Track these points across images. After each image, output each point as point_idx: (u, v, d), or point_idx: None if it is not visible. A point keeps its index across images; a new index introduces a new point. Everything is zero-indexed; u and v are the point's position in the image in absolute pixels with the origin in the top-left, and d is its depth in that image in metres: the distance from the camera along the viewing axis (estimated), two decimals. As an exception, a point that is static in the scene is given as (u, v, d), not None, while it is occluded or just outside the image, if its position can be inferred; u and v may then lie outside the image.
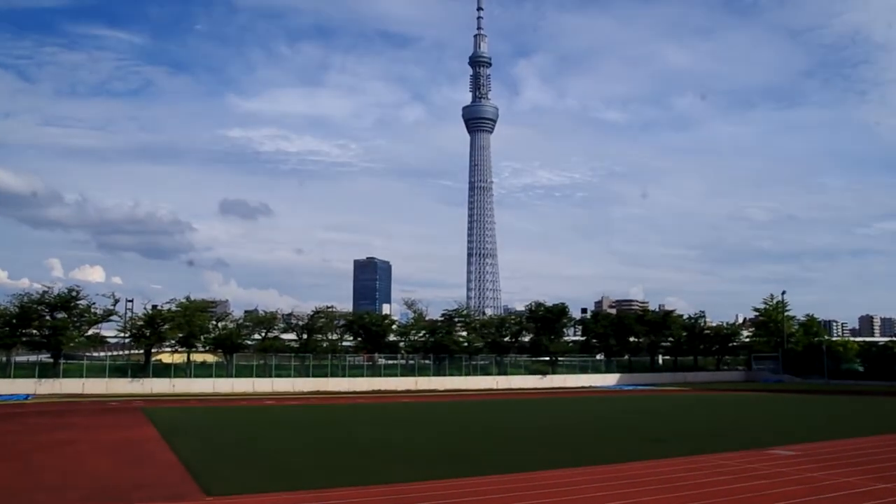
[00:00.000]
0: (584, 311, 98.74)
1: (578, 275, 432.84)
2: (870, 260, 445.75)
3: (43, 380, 57.29)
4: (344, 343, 77.67)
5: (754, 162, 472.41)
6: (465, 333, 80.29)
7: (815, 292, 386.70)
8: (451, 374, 74.23)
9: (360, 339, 76.48)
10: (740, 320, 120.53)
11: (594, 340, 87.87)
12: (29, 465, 22.32)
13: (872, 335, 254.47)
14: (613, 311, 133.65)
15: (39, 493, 17.62)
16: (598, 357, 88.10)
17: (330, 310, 76.24)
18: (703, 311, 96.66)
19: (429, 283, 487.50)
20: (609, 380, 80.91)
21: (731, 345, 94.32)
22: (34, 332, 59.81)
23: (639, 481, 18.61)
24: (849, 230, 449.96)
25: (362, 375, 70.88)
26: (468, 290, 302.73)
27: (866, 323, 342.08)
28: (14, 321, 58.68)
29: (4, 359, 59.94)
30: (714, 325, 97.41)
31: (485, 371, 77.93)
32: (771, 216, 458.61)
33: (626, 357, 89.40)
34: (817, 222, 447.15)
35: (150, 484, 18.84)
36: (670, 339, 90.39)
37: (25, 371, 59.14)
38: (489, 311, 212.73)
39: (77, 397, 53.74)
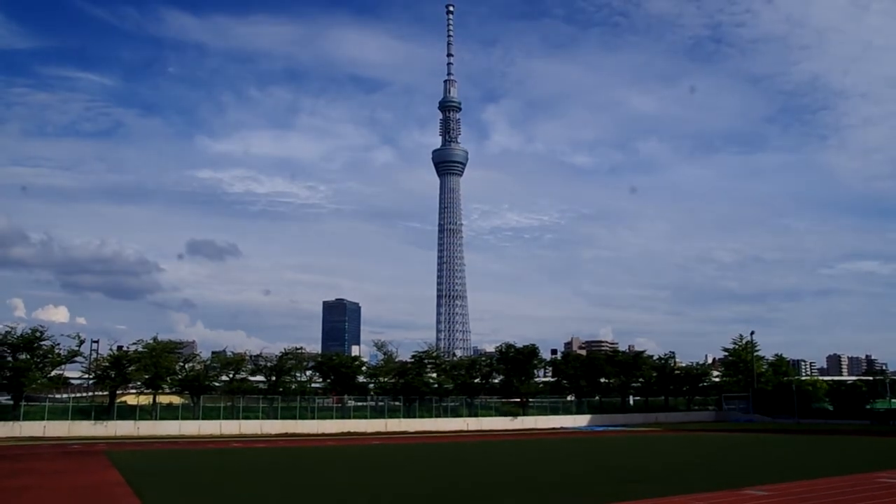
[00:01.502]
0: (554, 352, 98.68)
1: (548, 316, 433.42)
2: (834, 300, 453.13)
3: (2, 423, 55.25)
4: (313, 385, 76.43)
5: (719, 205, 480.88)
6: (435, 375, 79.56)
7: (782, 332, 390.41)
8: (422, 416, 73.29)
9: (329, 380, 75.37)
10: (710, 360, 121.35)
11: (565, 381, 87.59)
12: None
13: (840, 374, 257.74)
14: (583, 351, 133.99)
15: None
16: (569, 398, 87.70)
17: (299, 351, 75.22)
18: (672, 352, 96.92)
19: (398, 324, 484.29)
20: (580, 421, 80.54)
21: (701, 385, 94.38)
22: (-4, 373, 57.96)
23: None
24: (813, 271, 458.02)
25: (332, 417, 69.62)
26: (438, 331, 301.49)
27: (834, 362, 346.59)
28: (-27, 363, 56.91)
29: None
30: (684, 365, 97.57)
31: (455, 413, 77.11)
32: (737, 257, 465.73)
33: (597, 398, 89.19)
34: (782, 263, 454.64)
35: (112, 533, 18.11)
36: (641, 379, 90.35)
37: (-17, 414, 56.98)
38: (459, 353, 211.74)
39: (38, 440, 51.98)
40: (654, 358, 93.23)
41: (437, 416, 74.70)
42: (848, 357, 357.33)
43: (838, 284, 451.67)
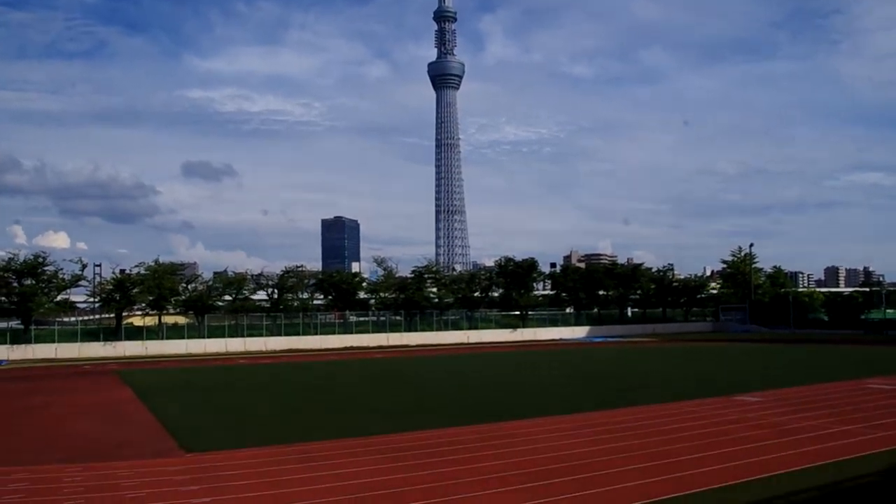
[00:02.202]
0: (553, 265, 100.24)
1: (547, 230, 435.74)
2: (837, 212, 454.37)
3: (15, 346, 57.42)
4: (315, 302, 78.40)
5: (724, 115, 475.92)
6: (435, 290, 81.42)
7: (782, 245, 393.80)
8: (423, 330, 75.50)
9: (330, 297, 77.27)
10: (708, 273, 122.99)
11: (564, 294, 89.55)
12: (11, 427, 23.01)
13: (838, 286, 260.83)
14: (582, 265, 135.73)
15: (25, 453, 18.39)
16: (567, 310, 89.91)
17: (299, 269, 76.83)
18: (671, 264, 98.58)
19: (397, 240, 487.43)
20: (579, 332, 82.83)
21: (699, 297, 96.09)
22: (3, 298, 59.66)
23: (613, 428, 19.85)
24: (817, 182, 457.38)
25: (334, 333, 71.82)
26: (437, 246, 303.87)
27: (832, 274, 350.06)
28: (-18, 289, 58.59)
29: (-25, 326, 60.00)
30: (683, 277, 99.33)
31: (456, 326, 79.32)
32: (740, 169, 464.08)
33: (596, 310, 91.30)
34: (786, 175, 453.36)
35: (130, 443, 19.69)
36: (639, 291, 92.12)
37: (-3, 337, 59.16)
38: (458, 268, 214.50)
39: (50, 362, 54.09)
40: (653, 270, 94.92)
41: (438, 329, 76.91)
42: (846, 269, 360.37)
43: (842, 196, 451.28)
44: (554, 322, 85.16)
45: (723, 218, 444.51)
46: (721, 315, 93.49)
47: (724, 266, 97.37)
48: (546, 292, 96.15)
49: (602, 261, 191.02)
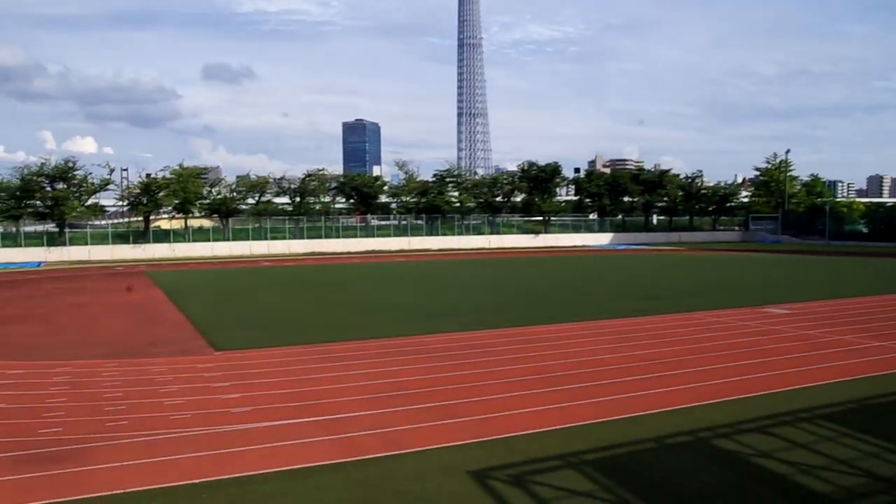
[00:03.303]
0: (577, 170, 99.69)
1: (571, 134, 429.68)
2: (886, 116, 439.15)
3: (52, 248, 59.34)
4: (336, 205, 79.08)
5: (766, 9, 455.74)
6: (456, 194, 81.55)
7: (821, 151, 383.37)
8: (444, 234, 76.15)
9: (352, 201, 77.83)
10: (739, 180, 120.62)
11: (587, 200, 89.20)
12: (51, 325, 24.14)
13: (881, 196, 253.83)
14: (607, 170, 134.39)
15: (65, 349, 19.42)
16: (591, 217, 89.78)
17: (321, 172, 77.08)
18: (700, 171, 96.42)
19: (419, 144, 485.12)
20: (602, 239, 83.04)
21: (728, 205, 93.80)
22: (37, 203, 61.20)
23: (635, 335, 20.32)
24: (866, 83, 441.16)
25: (356, 236, 72.82)
26: (459, 150, 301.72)
27: (875, 183, 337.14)
28: (17, 193, 60.03)
29: (14, 229, 61.74)
30: (711, 185, 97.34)
31: (477, 231, 79.86)
32: (780, 70, 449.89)
33: (620, 217, 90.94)
34: (831, 76, 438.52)
35: (162, 341, 20.64)
36: (666, 198, 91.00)
37: (35, 240, 61.20)
38: (480, 172, 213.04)
39: (85, 263, 55.75)
40: (681, 177, 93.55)
41: (460, 234, 77.53)
42: (891, 178, 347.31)
43: (892, 99, 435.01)
44: (577, 228, 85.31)
45: (758, 122, 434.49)
46: (751, 224, 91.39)
47: (758, 173, 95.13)
48: (569, 198, 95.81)
49: (628, 166, 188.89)
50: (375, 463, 10.50)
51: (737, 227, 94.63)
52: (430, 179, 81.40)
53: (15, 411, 13.17)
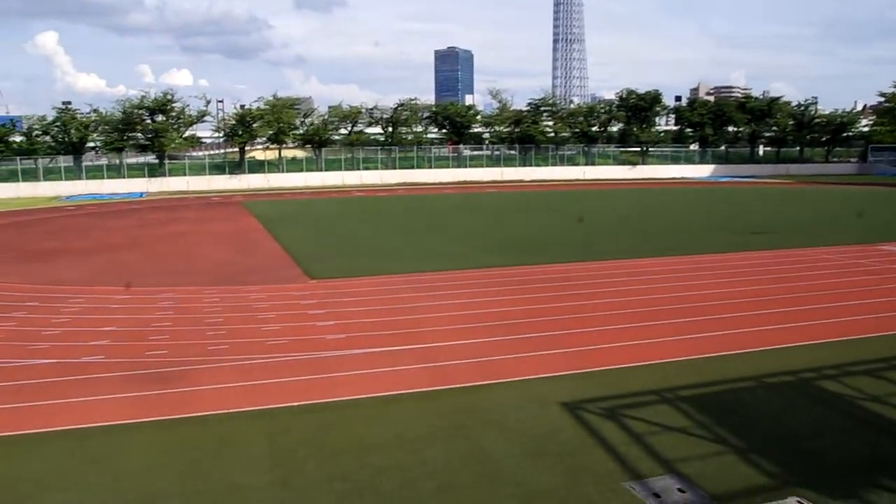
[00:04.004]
0: (678, 98, 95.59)
1: (673, 60, 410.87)
2: None
3: (152, 179, 62.18)
4: (428, 135, 79.01)
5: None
6: (551, 123, 79.92)
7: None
8: (537, 165, 75.14)
9: (444, 131, 77.59)
10: (859, 108, 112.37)
11: (688, 130, 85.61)
12: (155, 252, 25.45)
13: None
14: (711, 98, 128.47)
15: (168, 275, 20.48)
16: (691, 148, 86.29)
17: (413, 102, 76.92)
18: (814, 98, 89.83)
19: (512, 72, 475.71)
20: (703, 171, 79.94)
21: (845, 135, 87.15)
22: (139, 135, 63.93)
23: (738, 271, 19.75)
24: None
25: (448, 167, 72.82)
26: (554, 78, 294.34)
27: None
28: (120, 126, 62.83)
29: (118, 161, 64.91)
30: (826, 113, 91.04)
31: (572, 161, 78.36)
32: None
33: (723, 148, 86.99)
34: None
35: (259, 269, 21.43)
36: (774, 128, 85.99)
37: (137, 171, 64.26)
38: (576, 101, 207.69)
39: (183, 194, 58.23)
40: (792, 105, 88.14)
41: (553, 164, 76.32)
42: None
43: None
44: (676, 159, 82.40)
45: (885, 42, 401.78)
46: (870, 156, 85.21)
47: (882, 99, 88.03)
48: (669, 128, 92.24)
49: (734, 94, 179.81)
50: (468, 392, 10.70)
51: (853, 159, 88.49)
52: (524, 109, 79.97)
53: (125, 334, 14.04)
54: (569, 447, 8.76)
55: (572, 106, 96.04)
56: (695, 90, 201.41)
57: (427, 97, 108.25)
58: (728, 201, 46.40)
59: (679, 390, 10.56)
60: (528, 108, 79.87)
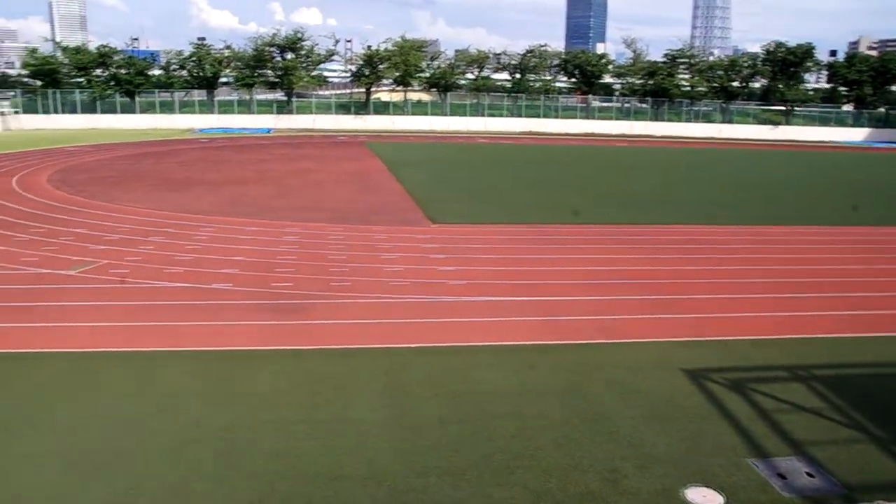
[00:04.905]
0: (833, 53, 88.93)
1: (830, 10, 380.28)
2: None
3: (280, 115, 64.54)
4: (557, 84, 77.51)
5: None
6: (688, 76, 76.46)
7: None
8: (670, 120, 72.39)
9: (573, 80, 75.86)
10: None
11: (843, 89, 79.54)
12: (283, 188, 26.49)
13: None
14: (874, 52, 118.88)
15: (294, 211, 21.32)
16: (843, 108, 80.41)
17: (542, 49, 75.46)
18: None
19: (649, 19, 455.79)
20: (856, 135, 74.44)
21: None
22: (269, 72, 66.13)
23: (886, 246, 18.51)
24: None
25: (575, 117, 71.36)
26: (693, 27, 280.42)
27: None
28: (251, 63, 65.17)
29: (248, 97, 67.58)
30: None
31: (707, 118, 74.93)
32: None
33: (883, 110, 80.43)
34: None
35: (382, 210, 21.94)
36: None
37: (265, 108, 66.82)
38: (717, 52, 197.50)
39: (309, 131, 60.05)
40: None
41: (687, 120, 73.32)
42: None
43: None
44: (825, 121, 77.13)
45: None
46: None
47: None
48: (820, 86, 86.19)
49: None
50: (587, 349, 10.66)
51: None
52: (660, 60, 76.85)
53: (253, 264, 14.80)
54: (690, 415, 8.62)
55: (712, 58, 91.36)
56: (854, 44, 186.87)
57: (557, 44, 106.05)
58: (882, 168, 43.22)
59: (813, 369, 10.12)
60: (665, 59, 76.69)
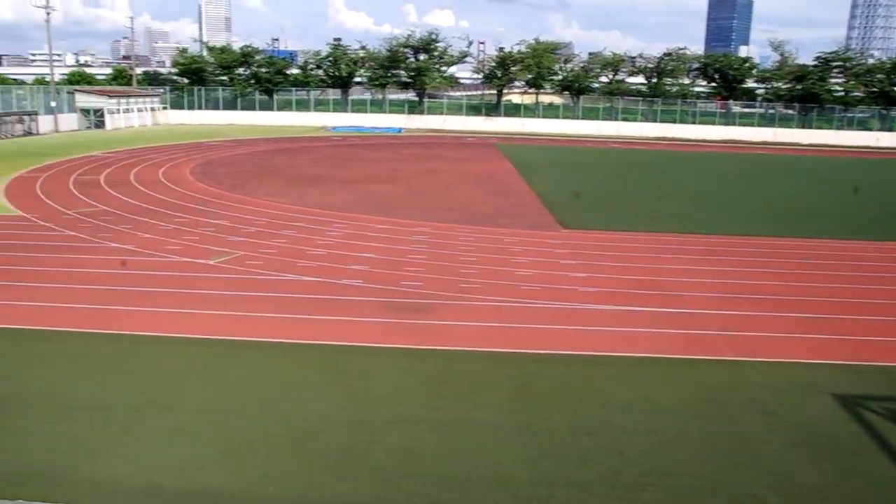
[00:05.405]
0: None
1: None
2: None
3: (411, 115, 65.97)
4: (695, 88, 74.92)
5: None
6: (842, 80, 71.94)
7: None
8: (819, 128, 68.32)
9: (713, 84, 73.07)
10: None
11: None
12: (412, 188, 26.96)
13: None
14: None
15: (422, 210, 21.62)
16: None
17: (681, 52, 73.18)
18: None
19: (798, 20, 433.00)
20: None
21: None
22: (402, 72, 67.68)
23: None
24: None
25: (713, 123, 68.70)
26: (850, 28, 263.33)
27: None
28: (385, 63, 66.93)
29: (381, 97, 69.45)
30: None
31: (863, 125, 70.22)
32: None
33: None
34: None
35: (511, 213, 21.87)
36: None
37: (397, 107, 68.61)
38: (876, 55, 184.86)
39: (439, 132, 60.93)
40: None
41: (839, 128, 68.98)
42: None
43: None
44: None
45: None
46: None
47: None
48: None
49: None
50: (725, 365, 10.17)
51: None
52: (810, 63, 72.74)
53: (383, 262, 15.09)
54: (842, 444, 8.03)
55: (871, 61, 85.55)
56: None
57: (696, 47, 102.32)
58: None
59: None
60: (816, 62, 72.50)
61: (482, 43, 71.62)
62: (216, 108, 65.05)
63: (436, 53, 67.85)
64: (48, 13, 53.75)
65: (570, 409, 8.63)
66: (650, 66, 72.33)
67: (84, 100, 54.57)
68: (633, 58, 72.98)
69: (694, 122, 68.22)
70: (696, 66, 73.81)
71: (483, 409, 8.62)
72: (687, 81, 73.12)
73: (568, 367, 9.91)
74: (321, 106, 67.32)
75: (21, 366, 9.69)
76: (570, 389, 9.21)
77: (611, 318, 11.89)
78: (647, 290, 13.60)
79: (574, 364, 10.03)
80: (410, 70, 66.80)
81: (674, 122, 67.86)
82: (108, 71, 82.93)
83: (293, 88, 66.67)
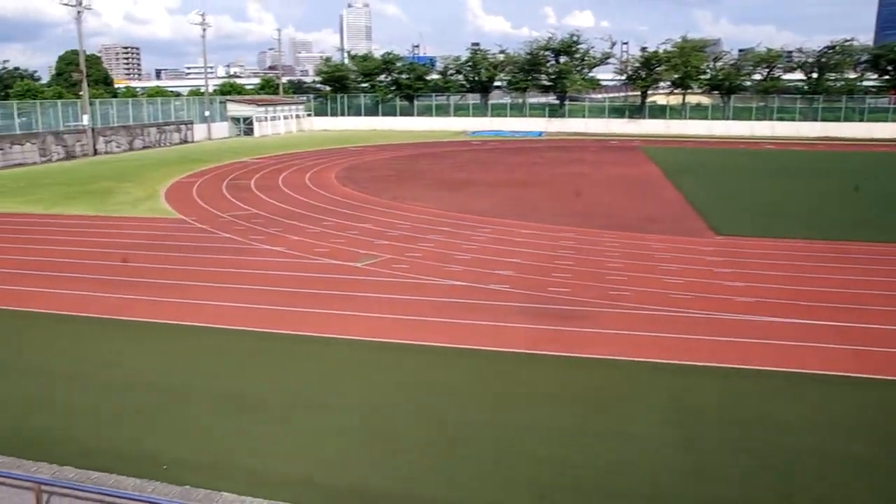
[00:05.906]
0: None
1: None
2: None
3: (552, 119, 65.76)
4: (864, 83, 69.98)
5: None
6: None
7: None
8: None
9: (886, 77, 67.98)
10: None
11: None
12: (555, 191, 26.84)
13: None
14: None
15: (567, 216, 21.47)
16: None
17: (847, 44, 68.59)
18: None
19: None
20: None
21: None
22: (542, 76, 67.59)
23: None
24: None
25: (885, 120, 63.87)
26: None
27: None
28: (526, 66, 67.08)
29: (521, 100, 69.67)
30: None
31: None
32: None
33: None
34: None
35: (659, 218, 21.30)
36: None
37: (537, 111, 68.67)
38: None
39: (581, 135, 60.25)
40: None
41: None
42: None
43: None
44: None
45: None
46: None
47: None
48: None
49: None
50: (904, 386, 9.43)
51: None
52: None
53: (530, 268, 15.08)
54: None
55: None
56: None
57: (865, 37, 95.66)
58: None
59: None
60: None
61: (625, 43, 70.56)
62: (358, 114, 67.51)
63: (577, 55, 67.26)
64: (204, 29, 57.79)
65: (731, 426, 8.28)
66: (810, 60, 68.31)
67: (235, 109, 58.25)
68: (790, 52, 69.27)
69: (861, 120, 63.81)
70: (865, 58, 68.91)
71: (639, 421, 8.43)
72: (854, 75, 68.44)
73: (726, 381, 9.52)
74: (461, 111, 68.34)
75: (198, 360, 10.40)
76: (729, 404, 8.83)
77: (770, 330, 11.31)
78: (810, 300, 12.84)
79: (732, 377, 9.62)
80: (551, 73, 66.55)
81: (837, 120, 63.71)
82: (256, 81, 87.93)
83: (433, 94, 68.07)
